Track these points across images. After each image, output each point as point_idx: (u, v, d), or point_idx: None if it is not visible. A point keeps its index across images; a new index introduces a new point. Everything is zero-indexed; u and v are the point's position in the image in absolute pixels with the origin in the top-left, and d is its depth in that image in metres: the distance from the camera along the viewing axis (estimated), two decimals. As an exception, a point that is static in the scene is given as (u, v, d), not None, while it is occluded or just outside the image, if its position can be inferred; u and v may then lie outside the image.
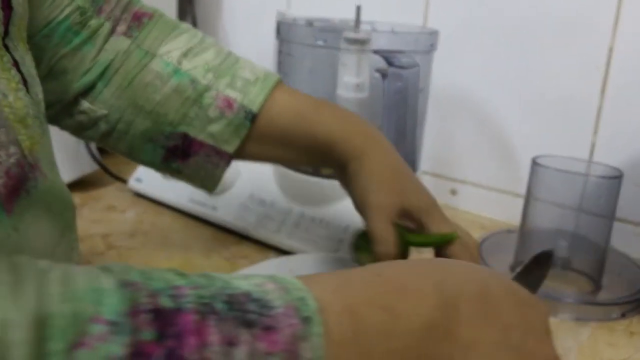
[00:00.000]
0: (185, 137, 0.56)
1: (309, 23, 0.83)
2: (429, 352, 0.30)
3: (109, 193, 0.92)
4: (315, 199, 0.75)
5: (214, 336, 0.24)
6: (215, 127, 0.56)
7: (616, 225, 0.71)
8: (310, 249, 0.72)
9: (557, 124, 0.85)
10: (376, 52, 0.69)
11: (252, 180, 0.81)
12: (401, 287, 0.32)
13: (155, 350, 0.23)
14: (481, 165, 0.92)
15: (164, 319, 0.24)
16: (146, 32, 0.57)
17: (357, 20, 0.76)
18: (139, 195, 0.90)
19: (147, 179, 0.89)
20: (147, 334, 0.23)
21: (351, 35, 0.72)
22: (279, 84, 0.59)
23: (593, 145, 0.83)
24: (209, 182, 0.61)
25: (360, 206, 0.55)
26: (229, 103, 0.56)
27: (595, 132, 0.82)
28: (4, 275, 0.23)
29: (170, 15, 1.12)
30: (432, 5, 0.92)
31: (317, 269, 0.64)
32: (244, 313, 0.26)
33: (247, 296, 0.27)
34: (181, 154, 0.58)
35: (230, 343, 0.24)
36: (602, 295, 0.68)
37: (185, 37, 0.58)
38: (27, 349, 0.21)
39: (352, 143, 0.55)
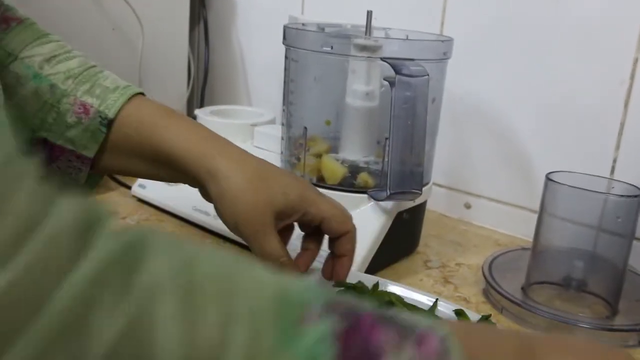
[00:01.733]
0: (45, 142, 0.56)
1: (320, 28, 0.81)
2: None
3: (112, 198, 0.90)
4: (320, 210, 0.72)
5: (388, 335, 0.28)
6: (72, 133, 0.56)
7: (635, 245, 0.67)
8: (314, 262, 0.69)
9: (578, 139, 0.81)
10: (384, 59, 0.66)
11: (256, 189, 0.79)
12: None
13: (355, 336, 0.27)
14: (497, 179, 0.88)
15: (354, 316, 0.28)
16: (12, 35, 0.57)
17: (368, 26, 0.73)
18: (142, 202, 0.88)
19: (150, 185, 0.87)
20: (346, 323, 0.27)
21: (361, 41, 0.70)
22: (139, 95, 0.58)
23: (615, 161, 0.79)
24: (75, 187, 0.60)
25: (233, 229, 0.54)
26: (85, 109, 0.56)
27: (618, 147, 0.78)
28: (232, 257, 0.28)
29: (182, 20, 1.12)
30: (449, 13, 0.88)
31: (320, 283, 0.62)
32: (402, 325, 0.29)
33: (397, 315, 0.30)
34: (44, 160, 0.57)
35: (400, 343, 0.28)
36: (619, 321, 0.64)
37: (52, 45, 0.58)
38: (272, 313, 0.26)
39: (200, 161, 0.53)
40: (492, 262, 0.73)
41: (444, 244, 0.83)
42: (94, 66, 0.59)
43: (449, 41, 0.72)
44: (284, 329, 0.25)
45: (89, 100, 0.56)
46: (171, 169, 0.56)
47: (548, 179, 0.64)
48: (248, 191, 0.52)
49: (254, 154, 0.82)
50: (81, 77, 0.57)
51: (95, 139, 0.56)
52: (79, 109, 0.55)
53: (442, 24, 0.89)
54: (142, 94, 0.59)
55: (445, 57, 0.72)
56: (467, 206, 0.91)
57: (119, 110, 0.56)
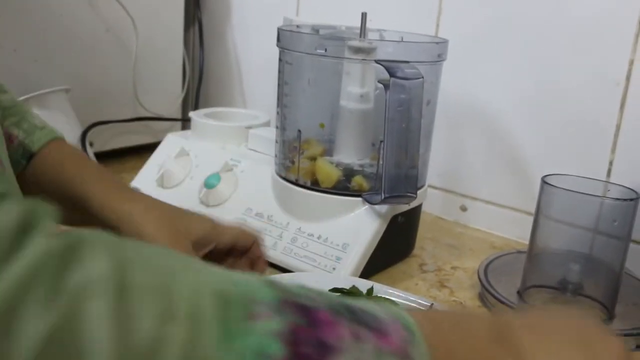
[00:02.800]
0: None
1: (315, 30, 0.80)
2: (495, 356, 0.33)
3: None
4: (314, 213, 0.71)
5: (346, 330, 0.27)
6: None
7: (632, 247, 0.67)
8: (306, 266, 0.69)
9: (574, 141, 0.80)
10: (378, 62, 0.65)
11: (249, 192, 0.78)
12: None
13: (307, 334, 0.26)
14: (493, 181, 0.88)
15: (308, 312, 0.27)
16: None
17: (363, 28, 0.73)
18: (137, 205, 0.88)
19: (144, 188, 0.86)
20: (299, 320, 0.26)
21: (355, 43, 0.69)
22: (62, 139, 0.61)
23: (611, 164, 0.78)
24: None
25: None
26: (9, 138, 0.57)
27: (614, 150, 0.78)
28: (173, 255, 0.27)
29: (177, 21, 1.11)
30: (444, 14, 0.88)
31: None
32: (362, 319, 0.29)
33: (360, 308, 0.30)
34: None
35: (357, 338, 0.27)
36: (616, 325, 0.64)
37: None
38: (214, 309, 0.25)
39: (111, 208, 0.55)
40: (487, 265, 0.72)
41: (440, 247, 0.82)
42: (24, 105, 0.61)
43: (443, 43, 0.71)
44: (227, 326, 0.24)
45: (15, 131, 0.58)
46: (80, 211, 0.56)
47: (544, 182, 0.64)
48: (164, 227, 0.55)
49: (248, 156, 0.82)
50: (11, 111, 0.59)
51: (14, 169, 0.56)
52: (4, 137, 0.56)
53: (438, 25, 0.89)
54: (63, 138, 0.62)
55: (440, 59, 0.71)
56: (463, 209, 0.91)
57: (42, 147, 0.58)
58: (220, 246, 0.59)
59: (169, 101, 1.13)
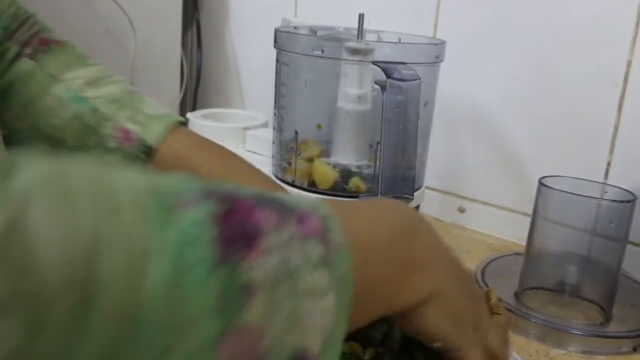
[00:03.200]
0: None
1: (312, 31, 0.80)
2: (407, 248, 0.35)
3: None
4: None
5: (268, 215, 0.28)
6: (112, 158, 0.55)
7: (629, 249, 0.67)
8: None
9: (572, 142, 0.80)
10: (375, 63, 0.65)
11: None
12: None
13: (234, 217, 0.27)
14: (491, 182, 0.88)
15: (231, 199, 0.27)
16: (53, 58, 0.57)
17: (360, 29, 0.73)
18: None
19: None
20: (224, 206, 0.27)
21: (353, 45, 0.69)
22: (180, 124, 0.60)
23: (609, 165, 0.78)
24: None
25: None
26: (127, 135, 0.56)
27: (612, 151, 0.78)
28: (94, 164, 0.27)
29: (175, 22, 1.11)
30: (442, 15, 0.88)
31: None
32: (283, 206, 0.29)
33: (280, 197, 0.30)
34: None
35: (280, 222, 0.28)
36: (613, 327, 0.64)
37: (94, 68, 0.58)
38: (150, 201, 0.25)
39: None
40: (485, 267, 0.72)
41: (437, 248, 0.82)
42: (135, 92, 0.59)
43: (441, 44, 0.71)
44: (157, 216, 0.25)
45: (131, 126, 0.56)
46: None
47: (541, 183, 0.64)
48: None
49: (245, 158, 0.82)
50: (123, 102, 0.57)
51: (134, 165, 0.55)
52: (121, 134, 0.55)
53: (436, 26, 0.89)
54: (182, 123, 0.60)
55: (437, 60, 0.71)
56: (461, 210, 0.91)
57: (160, 140, 0.56)
58: None
59: (167, 102, 1.13)
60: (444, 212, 0.92)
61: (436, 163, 0.90)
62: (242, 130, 0.87)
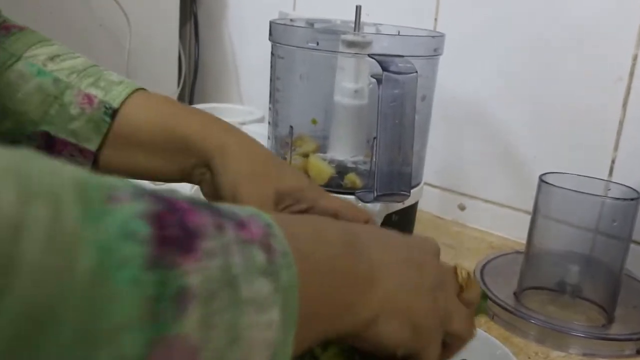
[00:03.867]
0: (47, 136, 0.55)
1: (310, 24, 0.79)
2: (350, 265, 0.34)
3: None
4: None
5: (207, 219, 0.26)
6: (75, 124, 0.54)
7: (633, 248, 0.65)
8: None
9: (575, 139, 0.78)
10: (371, 56, 0.63)
11: (242, 189, 0.76)
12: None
13: (171, 216, 0.25)
14: (492, 179, 0.86)
15: (167, 200, 0.26)
16: (14, 39, 0.57)
17: (357, 22, 0.71)
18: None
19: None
20: (160, 205, 0.25)
21: (349, 37, 0.67)
22: (143, 89, 0.58)
23: (613, 162, 0.76)
24: None
25: (232, 202, 0.52)
26: (89, 99, 0.55)
27: (616, 148, 0.76)
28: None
29: (172, 16, 1.09)
30: (442, 10, 0.86)
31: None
32: (221, 212, 0.28)
33: (217, 204, 0.29)
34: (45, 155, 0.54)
35: (219, 227, 0.26)
36: (615, 329, 0.62)
37: (56, 47, 0.58)
38: (74, 191, 0.23)
39: (211, 138, 0.53)
40: (484, 266, 0.70)
41: (437, 246, 0.80)
42: (97, 65, 0.59)
43: (440, 37, 0.69)
44: (90, 206, 0.23)
45: (93, 91, 0.55)
46: (179, 153, 0.54)
47: (542, 180, 0.62)
48: (255, 165, 0.52)
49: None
50: (85, 72, 0.56)
51: (98, 130, 0.54)
52: (83, 99, 0.55)
53: (436, 20, 0.87)
54: (144, 89, 0.59)
55: (436, 53, 0.69)
56: (462, 207, 0.89)
57: (124, 101, 0.55)
58: (314, 212, 0.52)
59: (165, 97, 1.11)
60: (444, 210, 0.90)
61: (436, 159, 0.88)
62: (238, 124, 0.85)
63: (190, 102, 1.14)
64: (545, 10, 0.78)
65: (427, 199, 0.90)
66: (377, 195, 0.63)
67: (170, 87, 1.12)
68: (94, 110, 0.54)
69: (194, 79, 1.15)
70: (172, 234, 0.24)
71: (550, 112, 0.79)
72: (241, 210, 0.29)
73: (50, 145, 0.55)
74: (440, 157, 0.89)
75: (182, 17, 1.13)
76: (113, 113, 0.55)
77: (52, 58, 0.56)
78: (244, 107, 0.96)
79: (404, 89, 0.61)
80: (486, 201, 0.86)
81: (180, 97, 1.16)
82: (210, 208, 0.28)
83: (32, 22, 0.90)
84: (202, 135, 0.53)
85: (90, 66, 0.57)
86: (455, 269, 0.42)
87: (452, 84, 0.85)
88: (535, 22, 0.79)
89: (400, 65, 0.61)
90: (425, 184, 0.89)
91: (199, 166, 0.54)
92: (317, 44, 0.65)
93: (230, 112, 0.93)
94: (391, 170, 0.63)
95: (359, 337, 0.34)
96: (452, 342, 0.40)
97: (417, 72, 0.61)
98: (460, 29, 0.84)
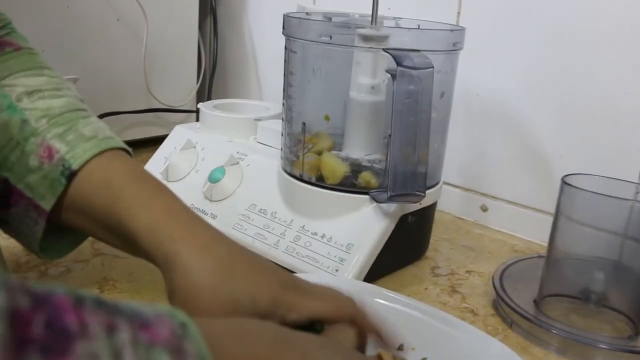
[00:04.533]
0: (6, 182, 0.49)
1: (327, 18, 0.76)
2: None
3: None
4: (318, 211, 0.67)
5: (92, 317, 0.24)
6: (32, 178, 0.49)
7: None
8: (308, 267, 0.65)
9: (603, 138, 0.74)
10: (385, 50, 0.61)
11: (254, 187, 0.74)
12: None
13: (33, 316, 0.22)
14: (515, 180, 0.82)
15: (38, 296, 0.23)
16: (3, 59, 0.51)
17: (374, 15, 0.68)
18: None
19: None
20: (23, 300, 0.22)
21: (365, 31, 0.65)
22: (116, 150, 0.51)
23: (644, 163, 0.72)
24: (32, 241, 0.52)
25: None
26: (50, 153, 0.49)
27: (647, 148, 0.72)
28: None
29: (191, 10, 1.07)
30: (465, 3, 0.83)
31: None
32: (117, 311, 0.25)
33: (115, 303, 0.26)
34: (3, 202, 0.50)
35: (110, 327, 0.24)
36: (642, 341, 0.58)
37: (42, 79, 0.52)
38: None
39: (158, 243, 0.43)
40: (504, 270, 0.67)
41: (456, 249, 0.77)
42: (80, 109, 0.52)
43: (459, 31, 0.66)
44: None
45: (57, 144, 0.48)
46: (127, 244, 0.47)
47: (564, 182, 0.59)
48: (205, 290, 0.41)
49: (256, 150, 0.79)
50: (58, 119, 0.50)
51: (53, 190, 0.48)
52: (44, 152, 0.48)
53: (459, 13, 0.83)
54: (123, 149, 0.52)
55: (455, 48, 0.66)
56: (484, 209, 0.85)
57: (85, 163, 0.48)
58: (287, 324, 0.41)
59: (184, 92, 1.10)
60: (465, 211, 0.87)
61: (457, 158, 0.85)
62: (254, 121, 0.83)
63: (209, 97, 1.13)
64: (573, 6, 0.74)
65: (448, 200, 0.87)
66: (391, 196, 0.61)
67: (189, 82, 1.11)
68: (52, 167, 0.49)
69: (211, 74, 1.13)
70: (35, 335, 0.21)
71: (578, 110, 0.76)
72: (150, 310, 0.26)
73: (7, 193, 0.50)
74: (462, 156, 0.86)
75: (202, 11, 1.11)
76: (70, 175, 0.48)
77: (30, 93, 0.50)
78: (261, 103, 0.94)
79: (419, 84, 0.58)
80: (509, 202, 0.83)
81: (200, 92, 1.15)
82: (104, 306, 0.25)
83: (48, 17, 0.89)
84: (150, 237, 0.44)
85: (69, 110, 0.51)
86: (378, 356, 0.40)
87: (475, 80, 0.82)
88: (564, 15, 0.75)
89: (415, 59, 0.58)
90: (446, 183, 0.86)
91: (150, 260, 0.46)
92: (331, 37, 0.63)
93: (246, 107, 0.91)
94: (405, 170, 0.60)
95: None
96: None
97: (433, 67, 0.59)
98: (484, 22, 0.81)
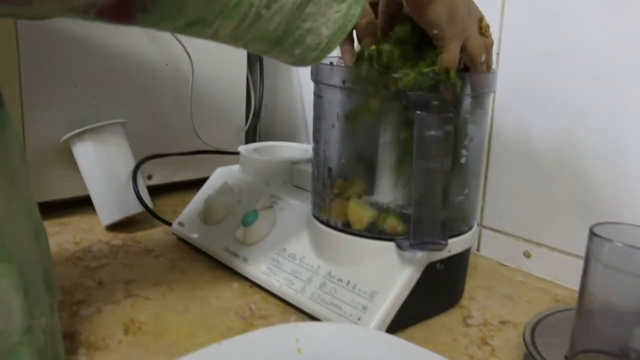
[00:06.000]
0: None
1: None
2: None
3: (153, 236, 0.88)
4: (344, 258, 0.66)
5: None
6: None
7: None
8: (332, 314, 0.64)
9: (651, 182, 0.70)
10: (404, 92, 0.60)
11: (285, 231, 0.74)
12: None
13: None
14: (560, 225, 0.79)
15: None
16: None
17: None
18: (181, 240, 0.86)
19: (188, 222, 0.85)
20: None
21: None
22: None
23: (695, 210, 0.68)
24: None
25: None
26: None
27: (697, 193, 0.67)
28: None
29: (240, 56, 1.09)
30: (505, 41, 0.81)
31: (326, 341, 0.56)
32: None
33: None
34: None
35: None
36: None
37: None
38: None
39: None
40: (538, 322, 0.64)
41: (493, 297, 0.74)
42: None
43: (491, 73, 0.65)
44: None
45: None
46: None
47: (592, 233, 0.55)
48: None
49: (291, 193, 0.79)
50: None
51: None
52: None
53: (498, 53, 0.81)
54: None
55: (484, 90, 0.65)
56: (527, 255, 0.82)
57: None
58: None
59: (232, 134, 1.12)
60: (507, 256, 0.84)
61: (499, 202, 0.83)
62: (290, 164, 0.83)
63: (255, 139, 1.14)
64: (614, 42, 0.71)
65: (489, 245, 0.85)
66: (412, 244, 0.59)
67: (237, 124, 1.13)
68: None
69: (257, 116, 1.15)
70: None
71: (623, 151, 0.72)
72: None
73: None
74: (502, 200, 0.83)
75: (251, 55, 1.14)
76: None
77: None
78: (303, 146, 0.94)
79: (439, 130, 0.57)
80: (553, 249, 0.79)
81: (248, 134, 1.17)
82: None
83: (100, 63, 0.94)
84: None
85: None
86: (480, 17, 0.62)
87: (513, 122, 0.80)
88: (602, 55, 0.72)
89: (434, 103, 0.57)
90: (488, 228, 0.84)
91: None
92: (353, 83, 0.63)
93: (287, 150, 0.92)
94: (427, 217, 0.59)
95: (418, 9, 0.55)
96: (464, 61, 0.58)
97: (453, 111, 0.57)
98: (523, 59, 0.78)
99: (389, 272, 0.63)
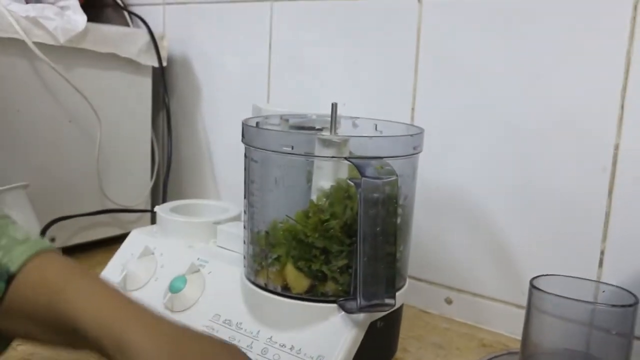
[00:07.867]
0: None
1: (285, 119, 0.77)
2: None
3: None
4: (285, 322, 0.65)
5: None
6: None
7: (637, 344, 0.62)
8: None
9: (562, 229, 0.76)
10: (348, 159, 0.61)
11: (217, 296, 0.72)
12: None
13: None
14: (479, 272, 0.82)
15: None
16: None
17: (333, 122, 0.68)
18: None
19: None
20: None
21: (325, 137, 0.65)
22: (50, 250, 0.53)
23: (602, 253, 0.74)
24: None
25: None
26: None
27: (604, 239, 0.73)
28: None
29: (144, 109, 1.06)
30: (419, 99, 0.85)
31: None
32: None
33: None
34: None
35: None
36: None
37: None
38: None
39: (108, 330, 0.46)
40: (477, 372, 0.66)
41: (425, 347, 0.76)
42: (6, 217, 0.54)
43: (418, 135, 0.67)
44: None
45: None
46: (73, 338, 0.48)
47: (532, 286, 0.59)
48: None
49: (217, 255, 0.77)
50: None
51: None
52: None
53: (413, 109, 0.85)
54: (52, 249, 0.53)
55: (415, 151, 0.67)
56: (448, 301, 0.85)
57: (23, 265, 0.50)
58: None
59: (137, 192, 1.08)
60: (430, 304, 0.87)
61: (420, 252, 0.85)
62: (213, 224, 0.81)
63: (164, 197, 1.11)
64: (525, 99, 0.77)
65: (412, 293, 0.87)
66: (360, 307, 0.60)
67: (143, 180, 1.09)
68: None
69: (166, 173, 1.11)
70: None
71: (535, 202, 0.77)
72: None
73: None
74: (423, 249, 0.86)
75: (155, 109, 1.11)
76: (9, 278, 0.49)
77: None
78: (220, 203, 0.92)
79: (384, 193, 0.59)
80: (474, 295, 0.83)
81: (154, 191, 1.13)
82: None
83: (1, 118, 0.87)
84: (97, 327, 0.46)
85: None
86: None
87: (434, 175, 0.83)
88: (515, 111, 0.77)
89: (378, 169, 0.59)
90: (410, 277, 0.86)
91: (99, 354, 0.48)
92: (292, 147, 0.63)
93: (204, 209, 0.90)
94: (374, 279, 0.59)
95: None
96: None
97: (397, 176, 0.59)
98: (438, 117, 0.82)
99: (333, 335, 0.63)
